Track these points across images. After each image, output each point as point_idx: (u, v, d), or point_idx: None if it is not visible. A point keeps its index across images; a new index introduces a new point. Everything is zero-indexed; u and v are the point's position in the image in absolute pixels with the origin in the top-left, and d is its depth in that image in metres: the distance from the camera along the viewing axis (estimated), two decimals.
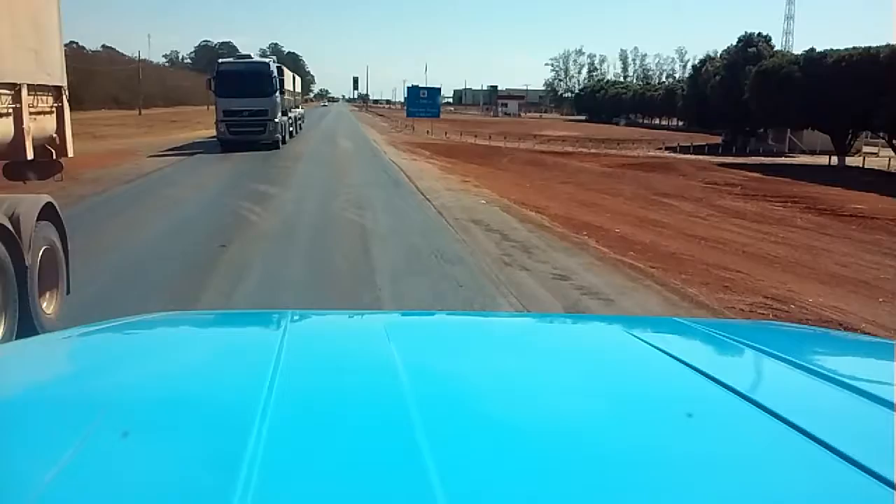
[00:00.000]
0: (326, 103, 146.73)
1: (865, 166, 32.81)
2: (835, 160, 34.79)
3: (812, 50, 36.42)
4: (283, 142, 25.90)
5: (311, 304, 5.79)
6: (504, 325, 1.66)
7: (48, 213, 5.01)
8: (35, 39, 5.52)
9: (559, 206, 14.42)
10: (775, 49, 46.02)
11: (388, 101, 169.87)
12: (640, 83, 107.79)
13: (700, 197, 20.07)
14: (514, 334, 1.43)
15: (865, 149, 39.34)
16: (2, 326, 4.19)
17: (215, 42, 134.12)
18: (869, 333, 5.83)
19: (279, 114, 25.08)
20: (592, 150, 39.85)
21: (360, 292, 6.67)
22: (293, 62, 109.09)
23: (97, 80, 59.98)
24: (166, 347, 1.23)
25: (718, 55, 48.92)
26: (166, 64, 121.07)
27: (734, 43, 46.11)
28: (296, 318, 1.30)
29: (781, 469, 0.73)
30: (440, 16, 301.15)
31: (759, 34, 45.64)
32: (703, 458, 0.77)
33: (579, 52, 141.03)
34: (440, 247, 8.91)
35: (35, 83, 5.50)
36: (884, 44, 31.30)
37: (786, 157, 40.64)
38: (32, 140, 5.40)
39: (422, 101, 48.33)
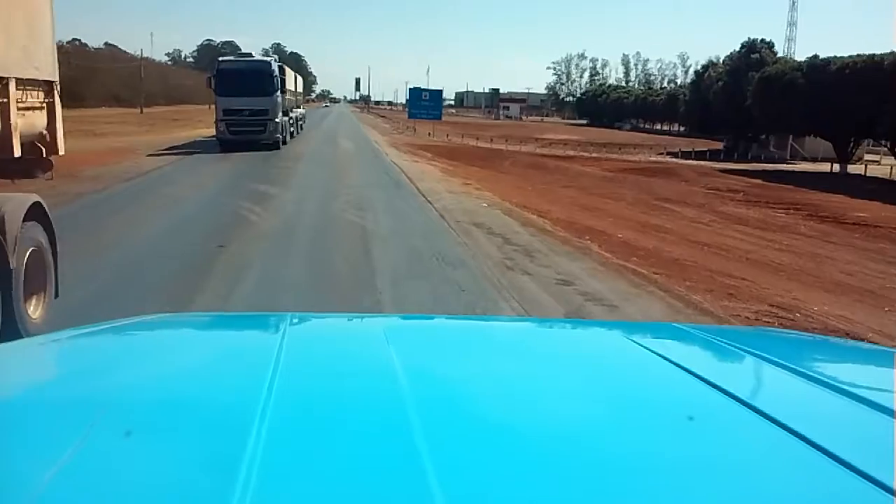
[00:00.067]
0: (328, 104, 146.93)
1: (868, 174, 32.75)
2: (836, 168, 34.73)
3: (815, 57, 36.37)
4: (284, 142, 25.68)
5: (310, 308, 5.69)
6: (503, 329, 1.65)
7: (36, 213, 4.77)
8: (24, 31, 5.30)
9: (561, 209, 14.33)
10: (778, 55, 45.99)
11: (389, 103, 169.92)
12: (642, 88, 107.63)
13: (702, 203, 19.98)
14: (514, 339, 1.42)
15: (867, 157, 39.26)
16: None
17: (218, 41, 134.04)
18: (876, 343, 5.73)
19: (280, 114, 24.83)
20: (594, 155, 39.80)
21: (360, 295, 6.57)
22: (296, 62, 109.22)
23: (99, 77, 59.84)
24: (166, 349, 1.22)
25: (721, 61, 48.81)
26: (169, 62, 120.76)
27: (737, 49, 46.07)
28: (295, 320, 1.30)
29: (781, 475, 0.73)
30: (442, 18, 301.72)
31: (763, 40, 45.57)
32: (703, 463, 0.76)
33: (581, 57, 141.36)
34: (441, 249, 8.82)
35: (24, 77, 5.30)
36: (888, 51, 31.26)
37: (787, 163, 40.58)
38: (20, 137, 5.21)
39: (424, 103, 48.23)
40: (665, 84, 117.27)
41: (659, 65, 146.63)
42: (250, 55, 26.93)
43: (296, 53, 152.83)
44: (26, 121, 5.37)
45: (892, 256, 12.61)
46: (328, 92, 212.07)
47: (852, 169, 34.81)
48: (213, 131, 24.49)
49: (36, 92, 5.60)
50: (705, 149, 43.75)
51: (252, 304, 6.07)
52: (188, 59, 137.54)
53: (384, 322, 1.59)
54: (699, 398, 0.94)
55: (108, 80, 62.17)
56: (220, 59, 26.51)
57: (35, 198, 4.78)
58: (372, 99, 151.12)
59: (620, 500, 0.68)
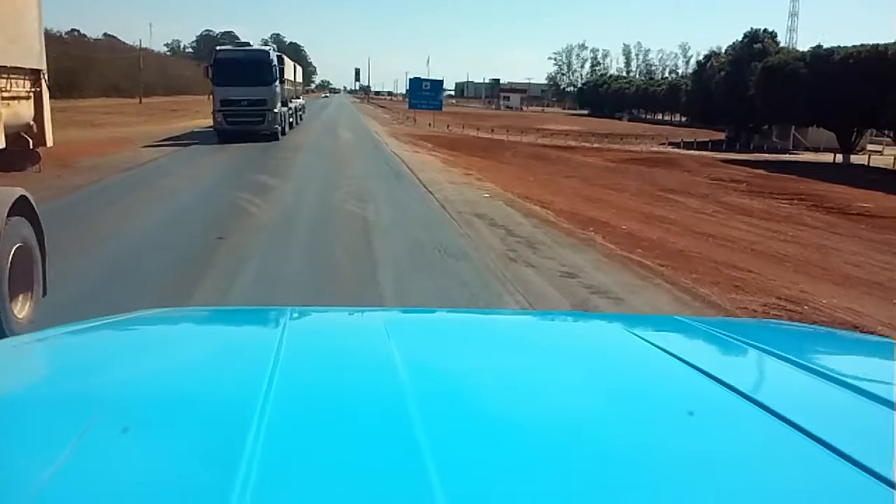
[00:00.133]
0: (328, 94, 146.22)
1: (871, 164, 32.60)
2: (839, 158, 34.60)
3: (819, 47, 36.21)
4: (283, 133, 25.39)
5: (310, 301, 5.57)
6: (504, 322, 1.65)
7: (22, 207, 4.51)
8: (8, 17, 5.06)
9: (564, 200, 14.19)
10: (780, 46, 45.71)
11: (389, 93, 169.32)
12: (643, 78, 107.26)
13: (705, 193, 19.85)
14: (515, 332, 1.41)
15: (869, 147, 39.16)
16: None
17: (217, 32, 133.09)
18: (885, 336, 5.62)
19: (279, 104, 24.47)
20: (595, 145, 39.61)
21: (361, 288, 6.46)
22: (295, 53, 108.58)
23: (98, 67, 59.60)
24: (165, 344, 1.21)
25: (723, 51, 48.53)
26: (167, 53, 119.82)
27: (739, 39, 45.84)
28: (295, 314, 1.29)
29: (781, 468, 0.73)
30: (443, 8, 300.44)
31: (765, 30, 45.35)
32: (704, 456, 0.76)
33: (582, 47, 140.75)
34: (443, 241, 8.70)
35: (7, 65, 5.07)
36: (892, 41, 31.07)
37: (790, 154, 40.44)
38: (5, 127, 4.98)
39: (424, 93, 48.01)
40: (666, 74, 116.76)
41: (660, 55, 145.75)
42: (248, 44, 26.64)
43: (295, 44, 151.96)
44: (11, 110, 5.14)
45: None
46: (328, 82, 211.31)
47: (855, 159, 34.72)
48: (211, 122, 24.23)
49: (22, 80, 5.39)
50: (707, 139, 43.63)
51: (253, 296, 5.96)
52: (187, 50, 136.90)
53: (385, 316, 1.58)
54: (701, 391, 0.94)
55: (106, 70, 61.90)
56: (218, 48, 26.10)
57: (20, 191, 4.54)
58: (372, 89, 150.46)
59: (623, 492, 0.67)
